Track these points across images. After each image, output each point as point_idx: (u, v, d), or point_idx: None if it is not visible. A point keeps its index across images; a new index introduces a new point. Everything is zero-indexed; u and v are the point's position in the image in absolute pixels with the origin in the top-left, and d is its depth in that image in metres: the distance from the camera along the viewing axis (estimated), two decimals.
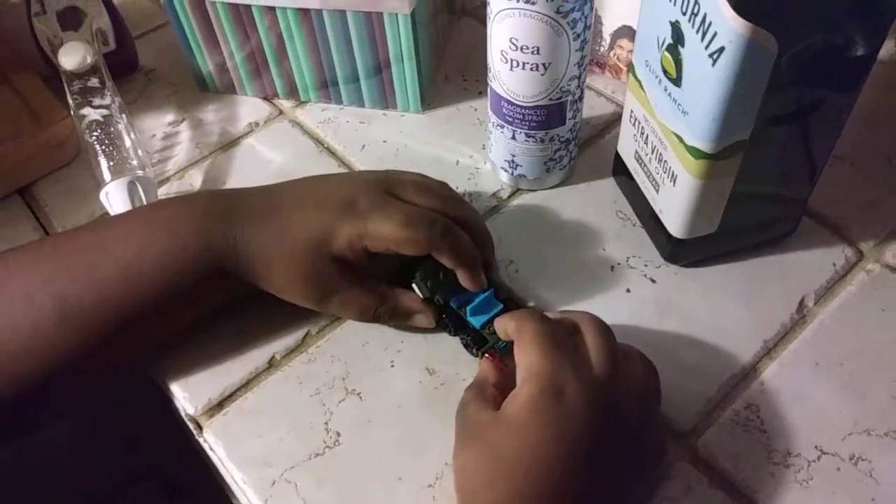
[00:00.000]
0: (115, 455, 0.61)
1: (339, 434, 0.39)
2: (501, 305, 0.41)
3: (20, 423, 0.38)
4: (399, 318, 0.42)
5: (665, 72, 0.38)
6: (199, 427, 0.40)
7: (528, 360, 0.33)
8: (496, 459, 0.32)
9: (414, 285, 0.42)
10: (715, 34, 0.33)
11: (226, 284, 0.40)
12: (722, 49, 0.33)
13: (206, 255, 0.38)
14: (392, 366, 0.42)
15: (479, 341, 0.40)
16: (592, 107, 0.55)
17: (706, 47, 0.34)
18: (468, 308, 0.41)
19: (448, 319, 0.41)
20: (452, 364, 0.41)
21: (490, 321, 0.40)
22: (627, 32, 0.53)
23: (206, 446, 0.40)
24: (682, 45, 0.36)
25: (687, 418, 0.39)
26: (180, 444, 0.43)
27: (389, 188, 0.41)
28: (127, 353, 0.40)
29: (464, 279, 0.41)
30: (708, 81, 0.35)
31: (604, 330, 0.35)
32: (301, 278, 0.39)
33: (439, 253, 0.40)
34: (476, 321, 0.41)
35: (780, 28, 0.32)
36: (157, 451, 0.60)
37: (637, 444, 0.34)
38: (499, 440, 0.32)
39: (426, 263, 0.41)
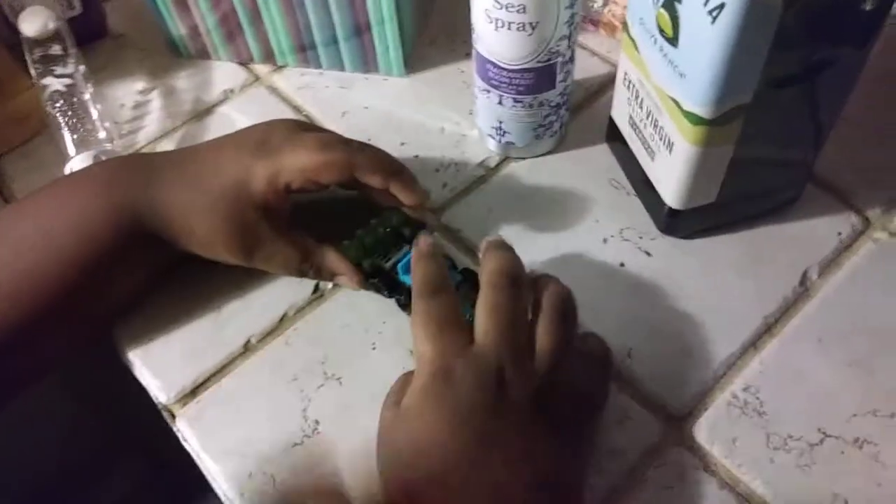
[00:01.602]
0: (98, 431, 0.60)
1: (317, 422, 0.37)
2: None
3: None
4: (324, 277, 0.41)
5: (661, 30, 0.35)
6: (173, 416, 0.38)
7: (418, 348, 0.32)
8: (399, 456, 0.31)
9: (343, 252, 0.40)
10: None
11: (152, 245, 0.38)
12: (722, 5, 0.30)
13: (121, 209, 0.37)
14: (373, 348, 0.40)
15: None
16: (585, 68, 0.52)
17: (705, 3, 0.31)
18: (399, 266, 0.39)
19: (381, 281, 0.40)
20: None
21: None
22: None
23: (179, 436, 0.38)
24: (680, 2, 0.33)
25: (681, 402, 0.37)
26: (164, 420, 0.41)
27: (306, 127, 0.40)
28: (63, 319, 0.38)
29: (400, 192, 0.39)
30: (707, 41, 0.32)
31: (562, 311, 0.33)
32: (222, 229, 0.38)
33: (362, 171, 0.38)
34: (408, 279, 0.38)
35: None
36: (142, 425, 0.59)
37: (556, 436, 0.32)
38: (400, 435, 0.31)
39: (354, 235, 0.40)
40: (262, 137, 0.39)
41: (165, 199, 0.37)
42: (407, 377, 0.33)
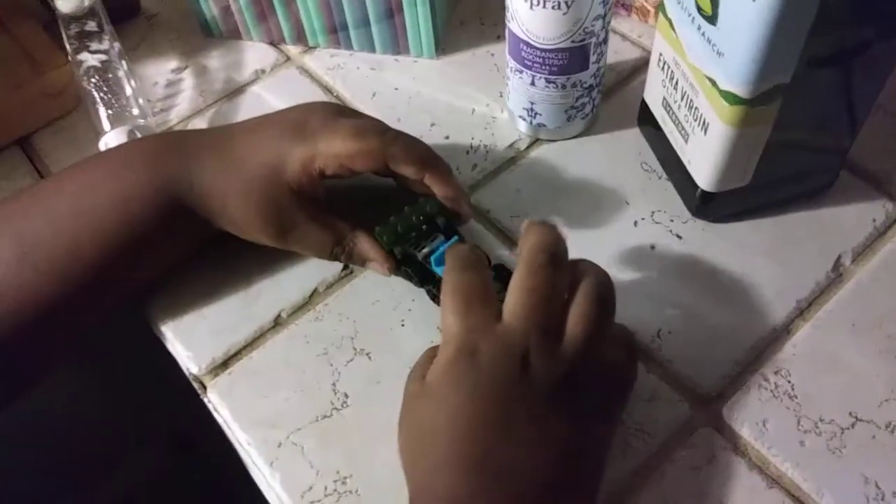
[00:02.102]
0: (120, 413, 0.61)
1: (346, 395, 0.37)
2: None
3: (4, 378, 0.37)
4: (355, 262, 0.41)
5: (699, 9, 0.35)
6: (204, 387, 0.39)
7: (444, 322, 0.31)
8: (420, 431, 0.31)
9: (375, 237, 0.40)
10: None
11: (188, 222, 0.38)
12: None
13: (160, 189, 0.37)
14: (402, 325, 0.40)
15: None
16: (617, 51, 0.52)
17: None
18: (432, 258, 0.38)
19: (413, 271, 0.39)
20: None
21: None
22: None
23: (210, 407, 0.38)
24: None
25: (712, 382, 0.37)
26: (189, 400, 0.41)
27: (342, 111, 0.40)
28: (99, 293, 0.38)
29: (435, 184, 0.39)
30: (747, 19, 0.32)
31: (600, 299, 0.32)
32: (258, 211, 0.38)
33: (396, 161, 0.38)
34: (440, 271, 0.38)
35: None
36: (166, 407, 0.59)
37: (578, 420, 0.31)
38: (421, 411, 0.31)
39: (387, 221, 0.39)
40: (300, 121, 0.38)
41: (203, 179, 0.38)
42: (433, 350, 0.33)
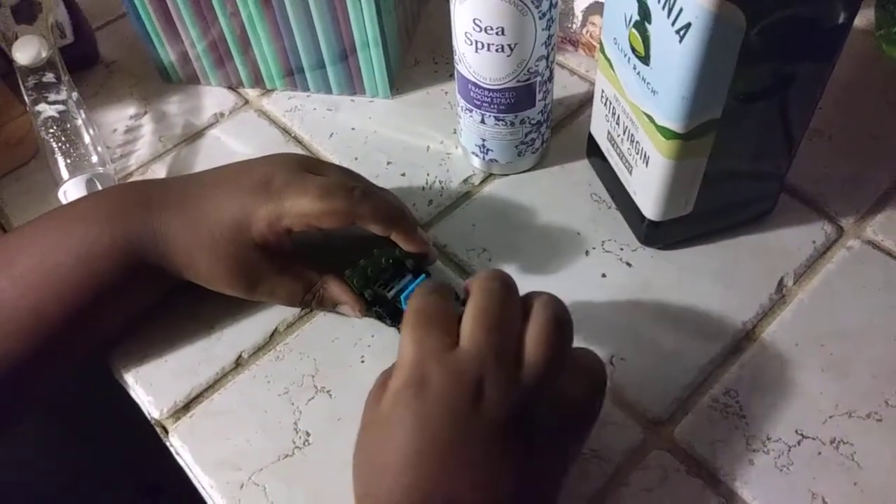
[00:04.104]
0: (87, 456, 0.60)
1: (308, 434, 0.38)
2: None
3: None
4: (326, 307, 0.41)
5: (633, 50, 0.37)
6: (166, 431, 0.39)
7: (401, 343, 0.31)
8: (369, 463, 0.31)
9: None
10: (681, 10, 0.32)
11: (153, 276, 0.39)
12: (688, 25, 0.32)
13: (124, 245, 0.37)
14: (362, 361, 0.41)
15: None
16: (566, 86, 0.54)
17: (672, 23, 0.33)
18: (402, 297, 0.39)
19: (384, 310, 0.40)
20: None
21: None
22: (599, 9, 0.52)
23: (172, 450, 0.39)
24: (649, 22, 0.35)
25: (663, 406, 0.38)
26: (153, 443, 0.42)
27: (308, 165, 0.40)
28: (64, 349, 0.38)
29: (401, 241, 0.40)
30: (676, 59, 0.33)
31: (556, 320, 0.31)
32: (225, 268, 0.38)
33: (363, 220, 0.38)
34: None
35: (748, 1, 0.31)
36: (134, 447, 0.59)
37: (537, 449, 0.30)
38: (371, 441, 0.31)
39: (357, 264, 0.40)
40: (265, 178, 0.38)
41: (167, 235, 0.38)
42: (387, 374, 0.32)
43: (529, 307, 0.32)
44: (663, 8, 0.33)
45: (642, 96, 0.38)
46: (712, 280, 0.43)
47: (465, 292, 0.33)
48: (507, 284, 0.32)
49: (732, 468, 0.36)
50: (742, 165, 0.41)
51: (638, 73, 0.37)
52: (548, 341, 0.30)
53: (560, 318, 0.31)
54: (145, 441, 0.40)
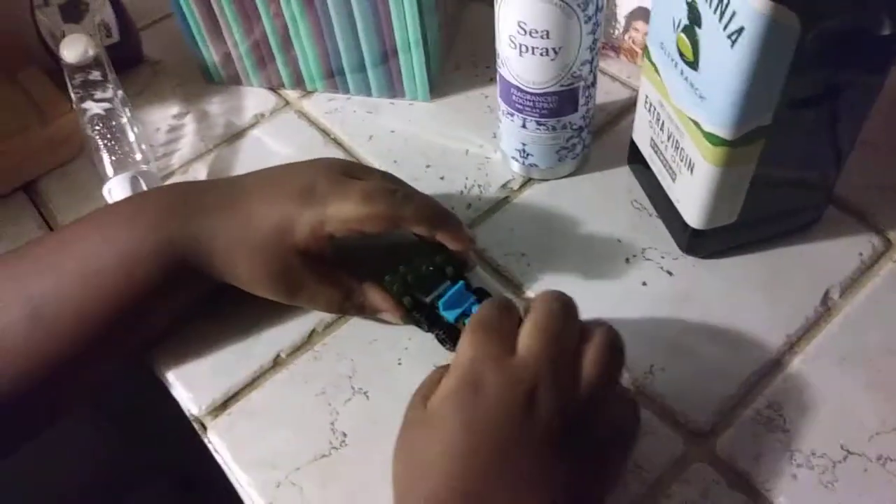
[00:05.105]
0: (124, 451, 0.61)
1: (345, 434, 0.38)
2: (473, 297, 0.40)
3: (10, 430, 0.37)
4: (366, 314, 0.41)
5: (681, 54, 0.37)
6: (204, 427, 0.39)
7: (459, 348, 0.32)
8: (414, 461, 0.31)
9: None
10: (734, 13, 0.31)
11: (194, 279, 0.39)
12: (741, 29, 0.31)
13: (166, 248, 0.37)
14: (399, 363, 0.40)
15: (453, 335, 0.39)
16: (607, 92, 0.54)
17: (724, 27, 0.32)
18: (440, 302, 0.39)
19: (421, 316, 0.40)
20: None
21: (463, 314, 0.39)
22: (642, 14, 0.51)
23: (210, 447, 0.39)
24: (699, 26, 0.34)
25: (705, 418, 0.37)
26: (192, 439, 0.42)
27: (350, 171, 0.40)
28: (106, 351, 0.39)
29: (447, 239, 0.39)
30: (727, 64, 0.33)
31: (614, 346, 0.32)
32: (266, 273, 0.38)
33: (408, 222, 0.38)
34: (449, 315, 0.39)
35: (804, 5, 0.30)
36: (169, 444, 0.60)
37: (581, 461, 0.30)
38: (417, 439, 0.31)
39: (396, 271, 0.40)
40: (307, 184, 0.38)
41: (209, 239, 0.38)
42: (439, 373, 0.33)
43: (588, 332, 0.33)
44: (715, 12, 0.33)
45: (689, 102, 0.37)
46: (755, 291, 0.42)
47: (526, 311, 0.33)
48: (568, 305, 0.33)
49: (775, 483, 0.35)
50: (789, 174, 0.40)
51: (685, 78, 0.37)
52: (604, 362, 0.31)
53: (617, 345, 0.32)
54: (185, 437, 0.41)
